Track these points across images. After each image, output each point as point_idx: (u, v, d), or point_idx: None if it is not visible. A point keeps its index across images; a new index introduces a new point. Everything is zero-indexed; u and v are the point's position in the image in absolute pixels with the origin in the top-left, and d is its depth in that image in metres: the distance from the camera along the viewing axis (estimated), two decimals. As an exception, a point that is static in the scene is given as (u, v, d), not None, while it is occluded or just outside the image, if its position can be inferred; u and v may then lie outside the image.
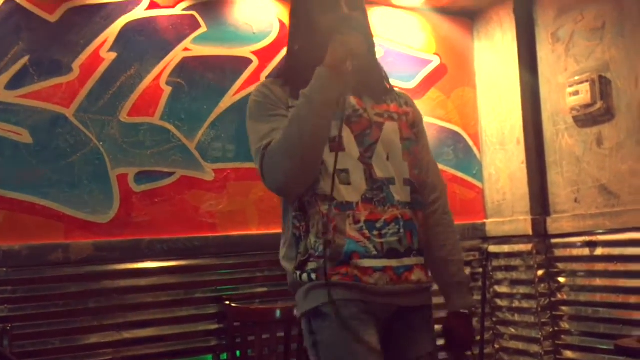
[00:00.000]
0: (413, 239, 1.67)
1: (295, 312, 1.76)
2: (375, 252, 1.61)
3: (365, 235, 1.62)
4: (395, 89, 1.84)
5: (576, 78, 3.17)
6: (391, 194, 1.67)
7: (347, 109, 1.68)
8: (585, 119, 3.14)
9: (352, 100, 1.70)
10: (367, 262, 1.60)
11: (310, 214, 1.65)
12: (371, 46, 1.78)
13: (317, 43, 1.65)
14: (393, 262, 1.63)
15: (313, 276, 1.63)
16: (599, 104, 3.05)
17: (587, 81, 3.09)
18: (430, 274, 1.74)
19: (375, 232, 1.63)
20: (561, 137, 3.30)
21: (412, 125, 1.80)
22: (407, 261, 1.65)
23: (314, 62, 1.62)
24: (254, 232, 3.01)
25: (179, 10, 3.02)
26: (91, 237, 2.70)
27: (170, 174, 2.90)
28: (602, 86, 3.06)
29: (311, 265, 1.64)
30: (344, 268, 1.60)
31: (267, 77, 1.79)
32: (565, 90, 3.23)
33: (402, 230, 1.65)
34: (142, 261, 2.77)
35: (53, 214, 2.66)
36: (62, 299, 2.61)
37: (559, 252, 3.27)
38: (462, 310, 1.79)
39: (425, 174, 1.82)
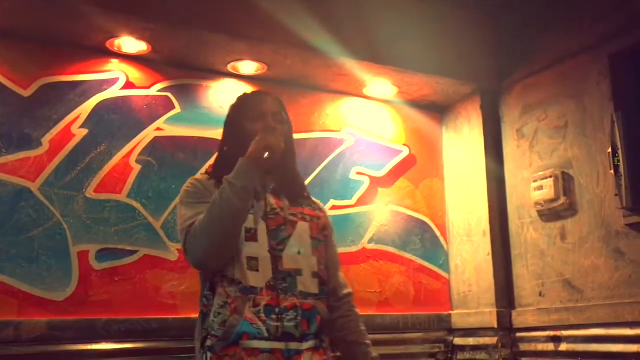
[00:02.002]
0: (310, 326, 1.91)
1: None
2: (266, 335, 1.84)
3: (261, 319, 1.84)
4: (312, 198, 2.21)
5: (540, 173, 3.25)
6: (294, 285, 1.93)
7: (267, 206, 1.99)
8: (550, 213, 3.20)
9: (272, 200, 2.01)
10: (255, 344, 1.82)
11: (216, 294, 1.89)
12: (291, 156, 2.15)
13: (243, 145, 1.96)
14: (283, 345, 1.84)
15: (209, 357, 1.84)
16: (562, 200, 3.12)
17: (550, 177, 3.17)
18: (326, 353, 1.99)
19: (273, 316, 1.86)
20: (526, 231, 3.34)
21: (323, 229, 2.12)
22: (298, 345, 1.88)
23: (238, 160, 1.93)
24: (215, 315, 2.94)
25: (154, 91, 3.07)
26: (45, 315, 2.61)
27: (133, 252, 2.85)
28: (565, 182, 3.14)
29: (208, 343, 1.85)
30: (232, 349, 1.81)
31: (199, 173, 2.19)
32: (530, 184, 3.30)
33: (299, 318, 1.89)
34: (98, 342, 2.66)
35: (7, 289, 2.58)
36: (10, 379, 2.49)
37: (524, 347, 3.24)
38: None
39: (334, 273, 2.14)
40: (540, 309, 3.18)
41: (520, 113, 3.46)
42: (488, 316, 3.34)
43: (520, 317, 3.27)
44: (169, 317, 2.83)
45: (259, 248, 1.91)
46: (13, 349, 2.51)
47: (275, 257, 1.93)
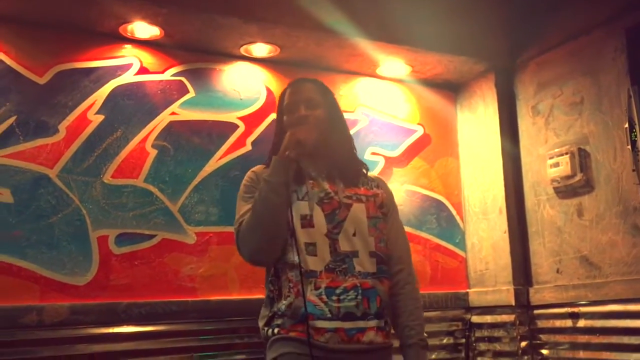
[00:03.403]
0: (370, 304, 1.95)
1: None
2: (329, 315, 1.91)
3: (323, 300, 1.92)
4: (370, 174, 2.23)
5: (556, 150, 3.23)
6: (353, 265, 1.98)
7: (321, 192, 2.04)
8: (566, 190, 3.19)
9: (326, 184, 2.06)
10: (320, 323, 1.90)
11: (282, 280, 1.99)
12: (339, 136, 2.17)
13: (283, 137, 2.05)
14: (346, 324, 1.91)
15: (276, 331, 1.96)
16: (578, 176, 3.10)
17: (567, 153, 3.15)
18: (388, 336, 2.03)
19: (334, 297, 1.92)
20: (542, 208, 3.33)
21: (381, 206, 2.12)
22: (361, 324, 1.93)
23: None
24: (234, 297, 2.97)
25: (168, 75, 3.08)
26: (67, 299, 2.65)
27: (152, 237, 2.88)
28: (582, 158, 3.12)
29: (276, 322, 1.97)
30: (300, 326, 1.91)
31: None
32: (545, 161, 3.29)
33: (359, 297, 1.94)
34: (119, 325, 2.70)
35: (29, 275, 2.62)
36: (34, 363, 2.53)
37: (541, 323, 3.25)
38: None
39: (392, 246, 2.12)
40: (557, 286, 3.18)
41: (535, 90, 3.44)
42: (505, 294, 3.34)
43: (538, 294, 3.27)
44: (189, 299, 2.86)
45: (316, 233, 1.97)
46: (36, 334, 2.56)
47: (333, 240, 1.99)
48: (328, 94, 2.22)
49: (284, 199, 1.95)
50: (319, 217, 1.99)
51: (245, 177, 2.14)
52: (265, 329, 2.00)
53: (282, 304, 1.96)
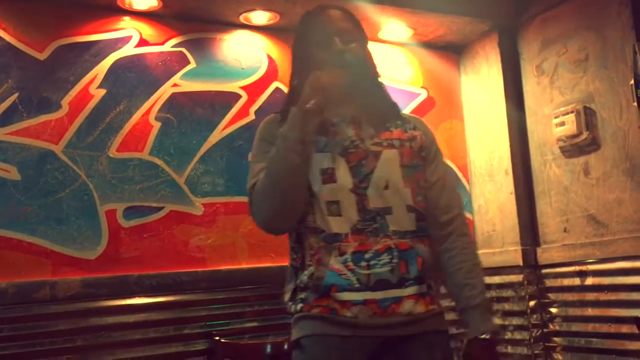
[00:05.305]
0: (409, 268, 1.63)
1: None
2: (357, 285, 1.60)
3: (349, 267, 1.61)
4: (405, 114, 1.84)
5: (561, 109, 3.21)
6: (385, 224, 1.65)
7: (344, 140, 1.68)
8: (572, 149, 3.17)
9: (351, 130, 1.70)
10: (345, 296, 1.60)
11: (305, 246, 1.67)
12: (372, 75, 1.79)
13: None
14: (378, 295, 1.60)
15: (299, 307, 1.66)
16: (584, 135, 3.08)
17: (572, 112, 3.13)
18: (433, 302, 1.67)
19: (362, 264, 1.61)
20: (549, 168, 3.32)
21: (420, 150, 1.75)
22: (396, 292, 1.61)
23: None
24: (243, 266, 3.00)
25: (168, 47, 3.05)
26: (79, 273, 2.68)
27: (159, 209, 2.89)
28: (587, 117, 3.10)
29: (300, 295, 1.67)
30: (324, 300, 1.62)
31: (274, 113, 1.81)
32: (551, 121, 3.27)
33: (395, 260, 1.62)
34: (131, 297, 2.74)
35: (40, 250, 2.65)
36: (49, 337, 2.57)
37: (549, 283, 3.27)
38: (481, 336, 1.66)
39: (437, 194, 1.75)
40: (565, 245, 3.19)
41: (539, 48, 3.40)
42: (513, 254, 3.36)
43: (545, 254, 3.29)
44: (198, 270, 2.89)
45: (340, 189, 1.65)
46: (51, 308, 2.60)
47: (360, 196, 1.65)
48: (359, 24, 1.85)
49: (305, 158, 1.60)
50: (342, 169, 1.65)
51: (259, 130, 1.76)
52: (290, 304, 1.70)
53: (304, 275, 1.65)
